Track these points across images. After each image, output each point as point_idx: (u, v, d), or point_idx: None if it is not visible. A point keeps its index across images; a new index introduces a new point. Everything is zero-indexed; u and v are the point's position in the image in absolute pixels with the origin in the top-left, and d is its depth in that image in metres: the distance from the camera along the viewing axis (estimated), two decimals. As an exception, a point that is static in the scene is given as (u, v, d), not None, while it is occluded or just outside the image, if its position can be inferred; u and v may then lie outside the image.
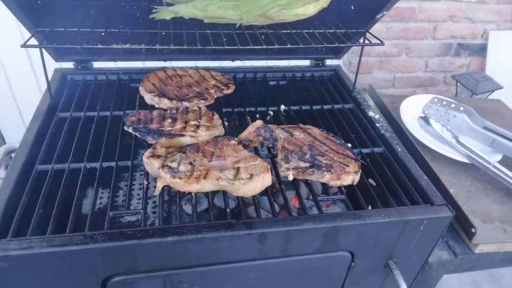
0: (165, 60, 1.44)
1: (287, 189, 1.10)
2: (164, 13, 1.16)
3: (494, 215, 1.15)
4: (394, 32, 2.60)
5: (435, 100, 1.50)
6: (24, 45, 0.99)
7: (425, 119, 1.41)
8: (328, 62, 1.60)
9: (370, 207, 1.01)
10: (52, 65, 1.35)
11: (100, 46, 1.04)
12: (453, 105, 1.48)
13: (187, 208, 1.20)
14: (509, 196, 1.21)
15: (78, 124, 1.15)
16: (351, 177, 1.01)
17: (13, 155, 1.48)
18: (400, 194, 1.02)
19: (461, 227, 1.14)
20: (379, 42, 1.20)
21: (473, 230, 1.07)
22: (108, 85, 1.34)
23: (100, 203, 1.13)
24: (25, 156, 0.99)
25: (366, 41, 1.24)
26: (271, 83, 1.47)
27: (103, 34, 1.11)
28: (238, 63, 1.51)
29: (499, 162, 1.28)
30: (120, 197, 1.18)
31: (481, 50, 2.78)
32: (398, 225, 0.95)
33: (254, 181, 0.95)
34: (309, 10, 1.20)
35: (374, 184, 1.10)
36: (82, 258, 0.80)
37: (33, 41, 1.08)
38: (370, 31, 1.31)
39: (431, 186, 1.04)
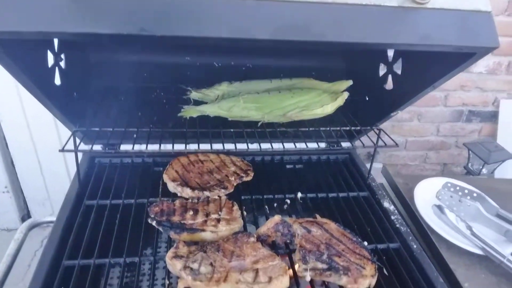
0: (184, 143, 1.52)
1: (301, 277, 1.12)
2: (191, 112, 1.24)
3: (512, 316, 1.15)
4: (406, 99, 2.67)
5: (448, 185, 1.53)
6: (62, 150, 1.07)
7: (440, 207, 1.43)
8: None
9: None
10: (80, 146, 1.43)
11: (131, 150, 1.11)
12: (466, 191, 1.50)
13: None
14: (526, 294, 1.21)
15: (104, 213, 1.20)
16: (368, 281, 1.03)
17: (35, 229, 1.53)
18: (416, 298, 1.04)
19: (478, 329, 1.14)
20: (394, 144, 1.26)
21: (490, 336, 1.07)
22: (133, 168, 1.41)
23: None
24: (53, 251, 1.04)
25: (380, 142, 1.29)
26: (288, 166, 1.53)
27: (135, 135, 1.19)
28: (256, 145, 1.58)
29: (514, 254, 1.29)
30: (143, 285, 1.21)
31: (492, 117, 2.83)
32: (415, 335, 0.96)
33: (273, 285, 0.97)
34: (327, 109, 1.27)
35: (387, 274, 1.12)
36: None
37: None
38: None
39: (447, 291, 1.05)
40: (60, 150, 1.08)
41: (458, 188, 1.52)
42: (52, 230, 1.10)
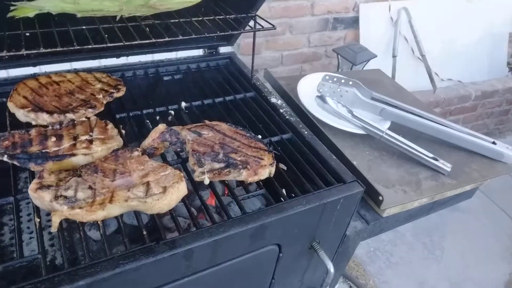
0: (34, 65, 1.22)
1: (201, 189, 1.04)
2: (26, 10, 0.96)
3: (393, 179, 1.25)
4: (276, 11, 2.65)
5: (327, 77, 1.57)
6: None
7: (322, 98, 1.45)
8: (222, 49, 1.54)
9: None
10: None
11: None
12: (343, 81, 1.56)
13: (93, 234, 1.06)
14: (402, 159, 1.33)
15: None
16: (267, 170, 0.99)
17: None
18: (314, 177, 1.04)
19: (368, 196, 1.22)
20: (271, 26, 1.18)
21: (380, 197, 1.15)
22: (-38, 105, 1.09)
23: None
24: None
25: (258, 26, 1.21)
26: (165, 78, 1.36)
27: None
28: (123, 60, 1.36)
29: (389, 128, 1.40)
30: (6, 243, 0.98)
31: (354, 23, 3.01)
32: (318, 209, 0.97)
33: (169, 194, 0.86)
34: (195, -4, 1.12)
35: (285, 168, 1.11)
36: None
37: None
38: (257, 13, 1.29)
39: (340, 165, 1.08)
40: None
41: (335, 79, 1.56)
42: None
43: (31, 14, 0.97)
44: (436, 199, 1.29)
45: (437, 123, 1.43)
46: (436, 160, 1.30)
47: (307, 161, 1.09)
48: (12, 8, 0.96)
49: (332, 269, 1.03)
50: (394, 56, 3.05)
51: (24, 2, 0.95)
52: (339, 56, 2.66)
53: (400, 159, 1.34)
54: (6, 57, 0.89)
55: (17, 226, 0.81)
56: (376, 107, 1.50)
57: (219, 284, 0.97)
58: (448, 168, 1.29)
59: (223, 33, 1.12)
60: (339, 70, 2.75)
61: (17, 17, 0.98)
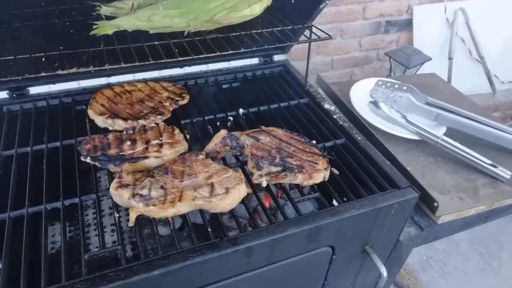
0: (108, 75, 1.36)
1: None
2: (106, 28, 1.08)
3: (449, 186, 1.24)
4: (327, 17, 2.67)
5: (380, 83, 1.58)
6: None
7: (375, 103, 1.47)
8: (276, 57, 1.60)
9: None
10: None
11: (43, 74, 0.95)
12: (396, 86, 1.56)
13: (159, 230, 1.16)
14: (458, 165, 1.32)
15: (27, 161, 1.05)
16: (322, 174, 1.04)
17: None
18: (368, 182, 1.07)
19: (423, 202, 1.22)
20: (327, 36, 1.23)
21: (435, 204, 1.15)
22: (51, 112, 1.24)
23: (71, 245, 1.05)
24: (-27, 208, 0.89)
25: (314, 36, 1.25)
26: (224, 86, 1.45)
27: (43, 59, 1.01)
28: (186, 69, 1.47)
29: (444, 134, 1.38)
30: (91, 235, 1.11)
31: (407, 25, 2.95)
32: (372, 213, 1.00)
33: (231, 195, 0.94)
34: (255, 10, 1.19)
35: (338, 173, 1.14)
36: (66, 310, 0.75)
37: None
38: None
39: (395, 170, 1.10)
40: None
41: (389, 84, 1.57)
42: (-35, 187, 0.94)
43: (110, 32, 1.10)
44: (494, 207, 1.26)
45: (496, 128, 1.39)
46: (495, 167, 1.28)
47: (361, 166, 1.12)
48: (94, 27, 1.09)
49: (385, 273, 1.05)
50: (450, 59, 2.95)
51: (104, 21, 1.07)
52: (391, 59, 2.63)
53: (456, 165, 1.33)
54: (92, 71, 1.01)
55: (99, 220, 0.92)
56: (431, 112, 1.48)
57: (275, 282, 1.03)
58: (507, 176, 1.26)
59: (281, 44, 1.18)
60: (392, 74, 2.71)
61: (98, 35, 1.11)
